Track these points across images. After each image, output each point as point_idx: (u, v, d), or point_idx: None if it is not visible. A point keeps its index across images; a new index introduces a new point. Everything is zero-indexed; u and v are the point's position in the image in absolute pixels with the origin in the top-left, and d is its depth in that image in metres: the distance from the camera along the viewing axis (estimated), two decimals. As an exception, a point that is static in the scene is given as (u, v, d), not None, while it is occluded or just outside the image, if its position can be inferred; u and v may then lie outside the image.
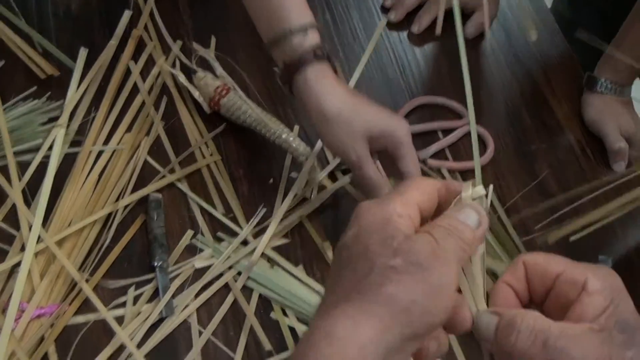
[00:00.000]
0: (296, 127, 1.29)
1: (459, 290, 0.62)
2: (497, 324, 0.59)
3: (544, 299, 0.63)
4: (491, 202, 1.19)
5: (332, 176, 1.24)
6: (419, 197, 0.60)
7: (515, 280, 0.63)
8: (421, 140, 1.31)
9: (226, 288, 1.11)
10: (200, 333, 1.07)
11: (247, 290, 1.11)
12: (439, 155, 1.31)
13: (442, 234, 0.57)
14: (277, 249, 1.15)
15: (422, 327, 0.54)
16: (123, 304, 1.08)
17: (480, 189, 0.62)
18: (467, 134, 1.33)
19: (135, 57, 1.34)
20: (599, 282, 0.59)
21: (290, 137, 1.21)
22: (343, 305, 0.54)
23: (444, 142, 1.32)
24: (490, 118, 1.35)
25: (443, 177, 1.25)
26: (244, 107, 1.23)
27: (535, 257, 0.63)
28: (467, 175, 1.27)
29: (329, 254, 1.15)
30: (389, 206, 0.58)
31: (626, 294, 0.59)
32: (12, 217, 1.14)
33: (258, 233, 1.16)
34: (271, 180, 1.23)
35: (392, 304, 0.53)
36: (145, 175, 1.21)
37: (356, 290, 0.55)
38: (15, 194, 1.13)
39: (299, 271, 1.13)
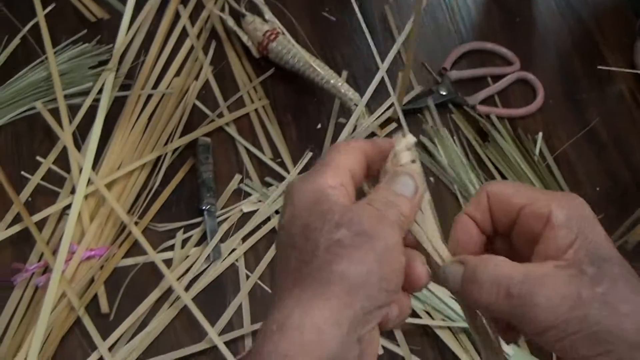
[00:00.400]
0: (344, 73, 1.27)
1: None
2: (462, 275, 0.56)
3: (509, 233, 0.60)
4: (540, 149, 1.17)
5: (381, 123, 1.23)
6: (348, 163, 0.57)
7: (479, 212, 0.60)
8: (471, 86, 1.29)
9: (273, 232, 1.10)
10: (248, 277, 1.06)
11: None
12: (488, 101, 1.28)
13: (382, 204, 0.54)
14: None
15: (382, 296, 0.52)
16: (171, 247, 1.08)
17: (410, 138, 0.59)
18: (517, 81, 1.31)
19: (184, 1, 1.32)
20: (563, 214, 0.55)
21: (338, 83, 1.19)
22: (296, 292, 0.52)
23: (493, 88, 1.29)
24: (540, 65, 1.32)
25: (492, 124, 1.23)
26: (292, 51, 1.21)
27: (499, 187, 0.59)
28: (516, 122, 1.25)
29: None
30: (321, 180, 0.55)
31: (596, 222, 0.56)
32: (63, 160, 1.13)
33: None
34: (319, 126, 1.22)
35: (346, 280, 0.50)
36: (194, 120, 1.20)
37: (306, 273, 0.52)
38: (65, 137, 1.12)
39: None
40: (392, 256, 0.52)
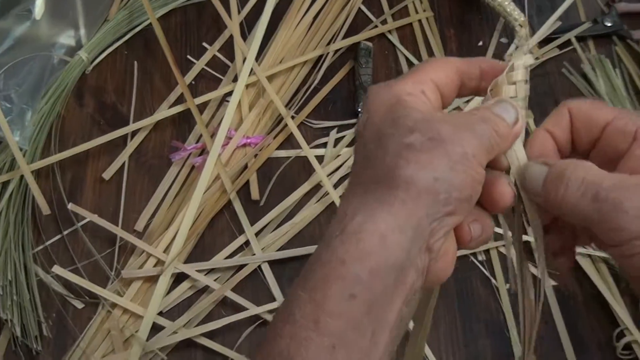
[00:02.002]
0: (512, -8, 1.20)
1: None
2: (546, 174, 0.52)
3: (590, 150, 0.55)
4: None
5: (542, 44, 1.16)
6: (434, 74, 0.53)
7: (559, 128, 0.55)
8: (638, 20, 1.20)
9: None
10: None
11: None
12: (655, 38, 1.20)
13: (475, 119, 0.50)
14: (479, 111, 1.09)
15: (451, 205, 0.48)
16: (324, 145, 1.05)
17: (529, 58, 0.56)
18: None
19: None
20: None
21: (505, 1, 1.12)
22: (360, 197, 0.49)
23: (662, 25, 1.20)
24: None
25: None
26: (462, -35, 1.15)
27: (581, 103, 0.55)
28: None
29: (530, 122, 1.08)
30: (398, 86, 0.51)
31: None
32: (228, 48, 1.11)
33: (461, 93, 1.09)
34: (480, 43, 1.16)
35: (412, 186, 0.47)
36: (358, 24, 1.15)
37: (373, 180, 0.49)
38: (233, 26, 1.10)
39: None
40: (468, 165, 0.48)
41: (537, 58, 1.14)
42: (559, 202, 0.51)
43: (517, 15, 1.11)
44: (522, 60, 0.55)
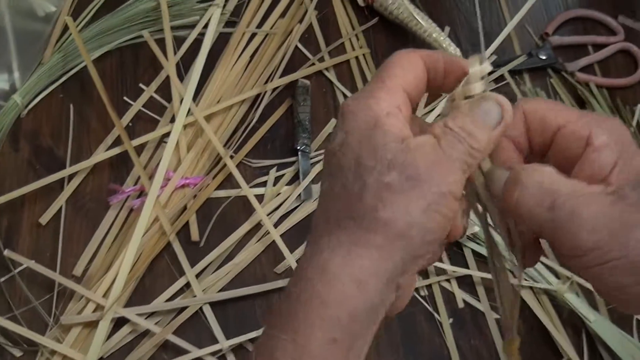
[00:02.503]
0: (447, 28, 1.22)
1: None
2: (508, 177, 0.51)
3: (545, 152, 0.54)
4: (638, 121, 1.12)
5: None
6: (406, 80, 0.51)
7: (515, 130, 0.54)
8: (571, 53, 1.24)
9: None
10: (336, 219, 1.03)
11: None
12: (587, 70, 1.23)
13: (451, 140, 0.49)
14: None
15: (424, 249, 0.48)
16: (263, 184, 1.05)
17: (487, 66, 0.53)
18: (619, 52, 1.25)
19: (294, -56, 1.28)
20: (605, 135, 0.50)
21: (441, 37, 1.14)
22: (337, 233, 0.48)
23: (594, 57, 1.23)
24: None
25: (591, 92, 1.17)
26: (397, 2, 1.17)
27: (535, 104, 0.53)
28: (615, 93, 1.19)
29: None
30: (375, 105, 0.49)
31: (637, 149, 0.50)
32: (165, 89, 1.11)
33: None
34: (417, 78, 1.17)
35: (389, 230, 0.47)
36: (295, 62, 1.16)
37: (349, 215, 0.48)
38: (169, 67, 1.10)
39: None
40: (443, 204, 0.47)
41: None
42: (514, 208, 0.50)
43: (453, 50, 1.15)
44: (477, 70, 0.53)
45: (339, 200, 0.49)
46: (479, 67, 0.53)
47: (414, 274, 0.50)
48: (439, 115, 1.11)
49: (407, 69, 0.52)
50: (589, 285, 0.57)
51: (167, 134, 1.04)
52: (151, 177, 1.01)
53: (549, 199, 0.48)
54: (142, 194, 1.01)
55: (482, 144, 0.49)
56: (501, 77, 1.18)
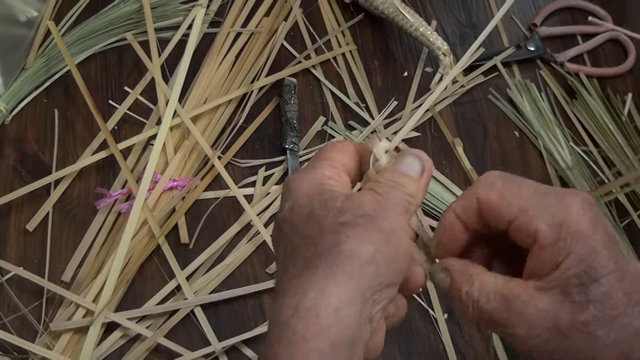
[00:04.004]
0: (434, 22, 1.23)
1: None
2: (448, 287, 0.56)
3: (503, 237, 0.55)
4: (629, 110, 1.13)
5: (467, 72, 1.19)
6: (343, 159, 0.57)
7: (467, 214, 0.55)
8: (560, 43, 1.25)
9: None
10: (326, 217, 1.03)
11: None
12: (577, 60, 1.24)
13: (385, 188, 0.53)
14: (408, 142, 1.11)
15: (390, 275, 0.51)
16: (252, 184, 1.06)
17: (385, 142, 0.57)
18: (608, 41, 1.26)
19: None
20: (552, 232, 0.50)
21: (427, 31, 1.15)
22: (306, 276, 0.50)
23: (583, 47, 1.24)
24: (633, 25, 1.26)
25: (581, 82, 1.18)
26: (383, -3, 1.18)
27: (489, 194, 0.54)
28: (605, 82, 1.20)
29: (459, 150, 1.10)
30: (318, 172, 0.55)
31: (596, 229, 0.51)
32: (151, 92, 1.12)
33: (389, 124, 1.11)
34: (405, 73, 1.18)
35: (355, 258, 0.49)
36: (281, 60, 1.17)
37: (315, 256, 0.50)
38: (154, 69, 1.10)
39: (428, 164, 1.08)
40: (399, 238, 0.51)
41: (462, 86, 1.17)
42: (461, 314, 0.55)
43: (440, 44, 1.16)
44: (380, 148, 0.57)
45: (301, 250, 0.51)
46: (380, 143, 0.57)
47: (384, 307, 0.52)
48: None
49: (343, 151, 0.57)
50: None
51: (154, 137, 1.05)
52: (138, 180, 1.01)
53: (487, 315, 0.53)
54: (129, 197, 1.02)
55: (412, 190, 0.54)
56: (491, 70, 1.19)
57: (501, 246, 0.58)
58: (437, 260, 0.59)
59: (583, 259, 0.50)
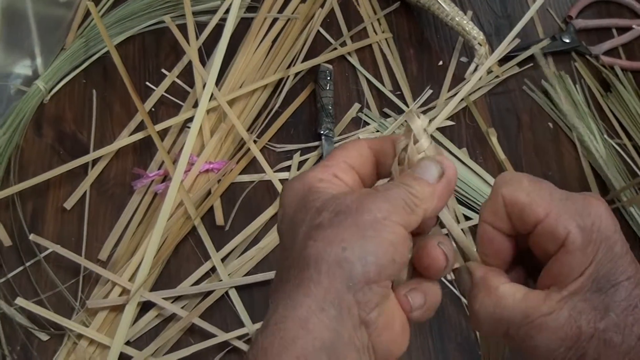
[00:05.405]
0: (469, 12, 1.23)
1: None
2: (469, 291, 0.54)
3: (528, 238, 0.53)
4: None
5: (502, 62, 1.19)
6: (346, 156, 0.53)
7: (497, 219, 0.53)
8: (595, 36, 1.25)
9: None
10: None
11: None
12: (612, 53, 1.23)
13: (389, 185, 0.50)
14: (442, 130, 1.11)
15: (370, 272, 0.46)
16: (287, 168, 1.06)
17: (423, 121, 0.55)
18: (644, 34, 1.25)
19: None
20: (582, 237, 0.49)
21: (463, 21, 1.15)
22: (281, 288, 0.48)
23: (619, 40, 1.24)
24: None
25: (615, 75, 1.18)
26: (420, -14, 1.18)
27: (516, 192, 0.52)
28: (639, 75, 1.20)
29: (494, 140, 1.10)
30: (309, 176, 0.52)
31: (616, 236, 0.50)
32: (187, 74, 1.12)
33: (423, 113, 1.11)
34: (440, 62, 1.18)
35: (320, 262, 0.46)
36: (317, 46, 1.17)
37: (287, 267, 0.49)
38: (192, 52, 1.11)
39: (462, 153, 1.08)
40: (380, 228, 0.47)
41: (497, 76, 1.17)
42: (476, 325, 0.54)
43: (476, 34, 1.15)
44: (418, 124, 0.55)
45: (281, 261, 0.51)
46: (419, 121, 0.55)
47: (378, 306, 0.48)
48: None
49: (349, 149, 0.54)
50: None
51: (190, 119, 1.05)
52: (175, 161, 1.02)
53: (503, 328, 0.51)
54: (165, 178, 1.02)
55: (419, 192, 0.50)
56: (526, 61, 1.19)
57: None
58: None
59: (606, 264, 0.49)
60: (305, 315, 0.45)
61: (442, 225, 0.56)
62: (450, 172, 0.52)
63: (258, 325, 0.94)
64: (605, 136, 1.12)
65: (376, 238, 0.47)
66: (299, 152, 1.07)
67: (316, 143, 1.08)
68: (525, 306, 0.50)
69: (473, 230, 1.02)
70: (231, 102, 1.08)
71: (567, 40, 1.21)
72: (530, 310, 0.50)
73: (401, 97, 1.13)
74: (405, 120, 0.55)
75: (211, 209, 1.01)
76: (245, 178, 1.05)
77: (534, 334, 0.49)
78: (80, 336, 0.91)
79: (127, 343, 0.92)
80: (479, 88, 1.16)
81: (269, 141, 1.07)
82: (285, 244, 0.51)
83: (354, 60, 1.16)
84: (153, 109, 1.09)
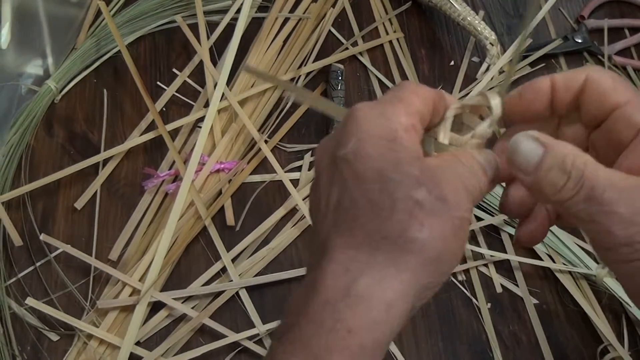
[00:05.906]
0: (481, 12, 1.22)
1: None
2: (542, 158, 0.46)
3: (594, 127, 0.52)
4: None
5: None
6: (420, 106, 0.49)
7: (565, 90, 0.51)
8: (608, 35, 1.23)
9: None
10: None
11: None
12: (624, 53, 1.22)
13: (466, 172, 0.48)
14: (453, 131, 1.10)
15: (448, 273, 0.47)
16: (298, 168, 1.06)
17: (497, 102, 0.53)
18: (657, 35, 1.24)
19: None
20: None
21: (475, 20, 1.14)
22: (365, 253, 0.45)
23: (631, 40, 1.23)
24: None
25: (628, 76, 1.17)
26: (431, -15, 1.17)
27: (601, 76, 0.50)
28: (651, 76, 1.19)
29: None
30: (393, 116, 0.47)
31: None
32: (199, 74, 1.12)
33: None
34: (452, 62, 1.18)
35: (424, 254, 0.44)
36: (328, 46, 1.17)
37: (379, 232, 0.45)
38: (203, 52, 1.10)
39: (475, 155, 1.08)
40: (465, 229, 0.46)
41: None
42: (550, 192, 0.46)
43: (488, 34, 1.15)
44: (497, 102, 0.53)
45: (364, 216, 0.45)
46: (498, 99, 0.53)
47: (421, 306, 0.48)
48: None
49: (421, 97, 0.50)
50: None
51: (201, 119, 1.05)
52: (185, 161, 1.01)
53: (587, 188, 0.45)
54: (176, 178, 1.02)
55: (485, 186, 0.49)
56: (538, 61, 1.18)
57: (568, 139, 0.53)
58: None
59: None
60: (392, 301, 0.44)
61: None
62: (496, 165, 0.51)
63: (268, 326, 0.93)
64: (618, 137, 1.11)
65: (461, 240, 0.47)
66: (310, 152, 1.07)
67: (327, 143, 1.07)
68: (612, 174, 0.45)
69: (484, 231, 1.02)
70: (242, 102, 1.07)
71: (579, 41, 1.21)
72: (619, 177, 0.45)
73: (413, 97, 1.12)
74: (484, 94, 0.53)
75: (222, 209, 1.01)
76: (256, 178, 1.04)
77: (619, 202, 0.44)
78: (90, 336, 0.91)
79: (137, 343, 0.92)
80: (491, 88, 1.15)
81: (280, 141, 1.07)
82: (374, 194, 0.45)
83: (365, 60, 1.15)
84: (164, 109, 1.09)
